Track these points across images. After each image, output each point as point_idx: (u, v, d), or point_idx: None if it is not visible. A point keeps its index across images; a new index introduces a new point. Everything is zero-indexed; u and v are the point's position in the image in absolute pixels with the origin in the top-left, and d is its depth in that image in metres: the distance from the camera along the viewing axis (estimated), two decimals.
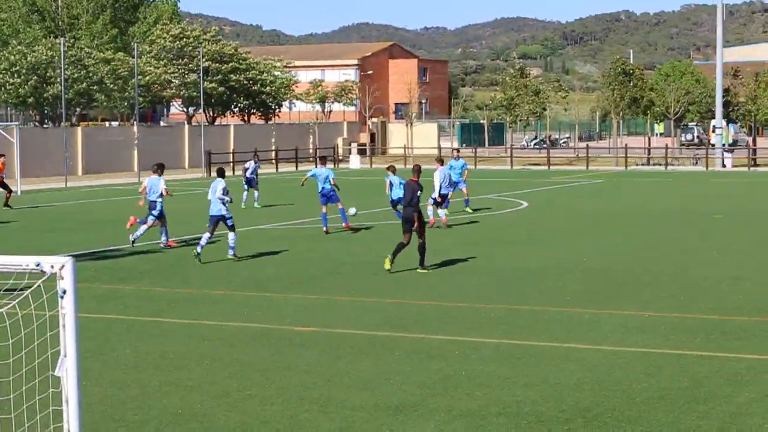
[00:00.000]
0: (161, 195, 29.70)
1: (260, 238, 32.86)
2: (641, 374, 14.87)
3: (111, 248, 29.95)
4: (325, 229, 33.07)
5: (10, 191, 44.18)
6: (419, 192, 24.73)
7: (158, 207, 29.74)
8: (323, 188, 33.51)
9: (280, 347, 16.80)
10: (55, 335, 8.13)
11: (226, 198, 27.10)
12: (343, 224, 33.77)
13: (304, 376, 14.89)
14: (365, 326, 18.41)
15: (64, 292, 7.97)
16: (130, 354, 16.45)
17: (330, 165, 44.91)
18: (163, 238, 30.10)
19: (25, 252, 27.89)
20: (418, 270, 24.72)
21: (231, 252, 27.20)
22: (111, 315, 19.48)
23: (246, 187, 43.93)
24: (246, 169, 44.32)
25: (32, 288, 8.50)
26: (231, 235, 27.12)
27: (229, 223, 27.07)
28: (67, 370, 8.05)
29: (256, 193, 43.98)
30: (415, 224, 24.50)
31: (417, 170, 25.50)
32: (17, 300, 8.93)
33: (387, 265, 24.58)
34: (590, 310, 19.86)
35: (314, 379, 14.71)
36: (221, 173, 28.03)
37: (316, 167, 35.28)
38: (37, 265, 8.03)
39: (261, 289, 22.72)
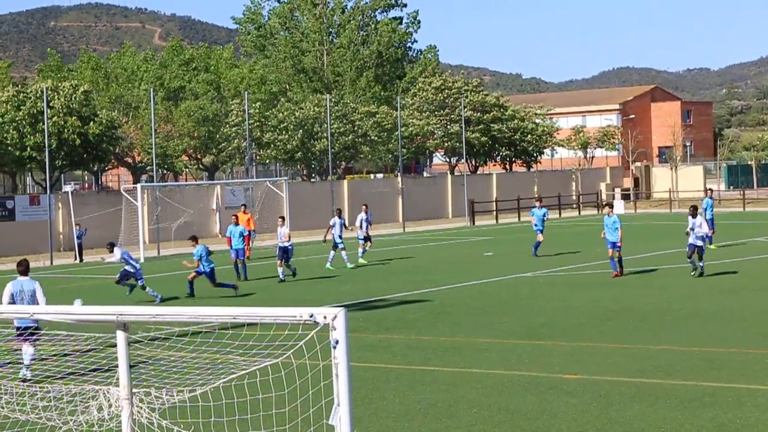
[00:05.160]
0: None
1: (527, 285, 32.79)
2: None
3: (378, 298, 30.44)
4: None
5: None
6: None
7: None
8: None
9: (548, 395, 16.67)
10: (328, 384, 8.31)
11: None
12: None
13: (572, 425, 14.72)
14: (634, 374, 18.08)
15: (337, 342, 8.15)
16: (399, 402, 16.63)
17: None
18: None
19: (294, 303, 28.66)
20: None
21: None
22: (380, 364, 19.76)
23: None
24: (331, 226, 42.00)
25: (306, 339, 8.73)
26: None
27: None
28: (340, 418, 8.20)
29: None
30: None
31: None
32: (292, 350, 9.18)
33: None
34: None
35: (584, 428, 14.52)
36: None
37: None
38: (311, 317, 8.24)
39: (528, 337, 22.61)
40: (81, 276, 43.02)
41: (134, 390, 9.67)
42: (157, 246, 55.10)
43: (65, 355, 13.21)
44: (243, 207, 48.97)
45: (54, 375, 11.95)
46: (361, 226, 42.75)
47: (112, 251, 32.64)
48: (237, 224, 39.84)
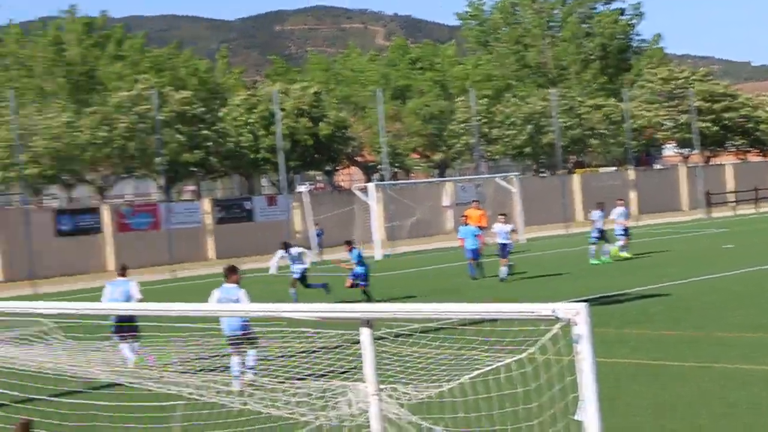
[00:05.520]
0: None
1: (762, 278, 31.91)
2: None
3: (617, 293, 30.08)
4: None
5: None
6: None
7: None
8: None
9: None
10: (573, 380, 8.27)
11: None
12: None
13: None
14: None
15: (580, 337, 8.10)
16: (643, 397, 16.40)
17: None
18: None
19: (530, 299, 28.58)
20: None
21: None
22: (621, 359, 19.51)
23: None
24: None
25: (549, 334, 8.71)
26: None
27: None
28: (587, 414, 8.15)
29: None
30: None
31: None
32: (535, 346, 9.18)
33: None
34: None
35: None
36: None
37: None
38: (552, 312, 8.21)
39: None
40: (320, 274, 43.89)
41: (381, 386, 9.82)
42: (391, 244, 55.87)
43: (313, 352, 13.54)
44: (475, 203, 48.02)
45: (303, 372, 12.27)
46: (619, 220, 42.35)
47: (287, 251, 32.86)
48: (467, 224, 39.46)
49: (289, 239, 54.35)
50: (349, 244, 32.97)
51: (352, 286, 32.25)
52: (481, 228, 40.61)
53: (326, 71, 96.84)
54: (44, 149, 59.74)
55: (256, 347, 18.16)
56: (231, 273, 19.55)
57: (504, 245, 36.73)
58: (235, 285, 19.39)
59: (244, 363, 18.37)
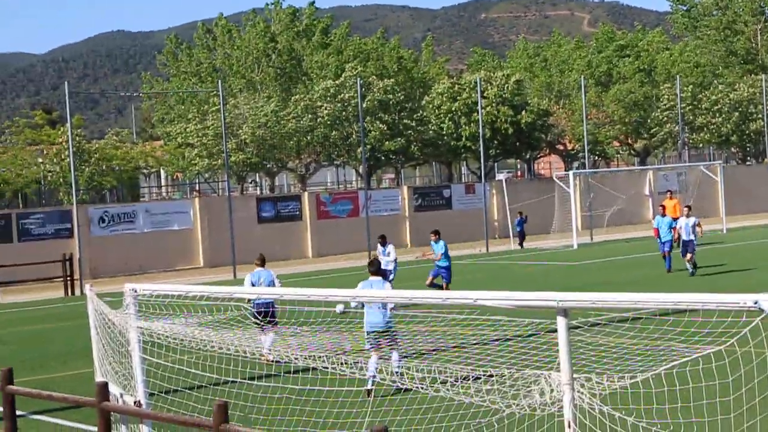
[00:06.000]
0: None
1: None
2: None
3: None
4: None
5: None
6: None
7: None
8: None
9: None
10: None
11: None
12: None
13: None
14: None
15: None
16: None
17: None
18: None
19: (729, 290, 27.86)
20: None
21: None
22: None
23: None
24: None
25: (750, 326, 8.47)
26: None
27: None
28: None
29: None
30: None
31: None
32: (735, 338, 8.93)
33: None
34: None
35: None
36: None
37: None
38: (755, 303, 7.99)
39: None
40: (520, 262, 43.80)
41: (575, 375, 9.70)
42: (589, 232, 55.31)
43: (507, 340, 13.48)
44: (669, 193, 46.91)
45: (496, 360, 12.23)
46: None
47: (384, 244, 31.20)
48: (664, 215, 38.15)
49: (482, 225, 54.33)
50: (436, 233, 30.34)
51: (431, 284, 29.92)
52: (674, 219, 39.23)
53: (530, 58, 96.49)
54: (250, 137, 61.14)
55: (398, 349, 17.42)
56: (377, 268, 19.19)
57: (687, 241, 34.85)
58: (381, 279, 18.90)
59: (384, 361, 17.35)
